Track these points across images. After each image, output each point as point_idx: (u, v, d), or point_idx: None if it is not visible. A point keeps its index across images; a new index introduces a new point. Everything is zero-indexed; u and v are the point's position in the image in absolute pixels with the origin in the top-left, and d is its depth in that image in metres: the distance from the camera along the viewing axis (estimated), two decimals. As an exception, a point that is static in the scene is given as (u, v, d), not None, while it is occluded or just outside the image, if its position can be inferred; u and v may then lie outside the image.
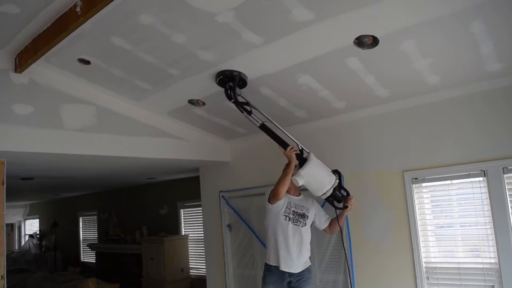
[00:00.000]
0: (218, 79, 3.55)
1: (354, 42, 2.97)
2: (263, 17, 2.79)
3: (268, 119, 3.70)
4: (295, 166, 3.57)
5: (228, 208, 5.51)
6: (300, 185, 3.50)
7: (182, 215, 8.50)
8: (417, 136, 3.90)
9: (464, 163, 3.63)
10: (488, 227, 3.54)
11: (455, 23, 2.72)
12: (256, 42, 3.07)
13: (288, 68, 3.40)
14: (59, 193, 10.40)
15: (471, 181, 3.65)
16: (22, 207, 13.59)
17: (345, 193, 3.65)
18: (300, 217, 3.72)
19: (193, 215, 8.27)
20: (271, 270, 3.70)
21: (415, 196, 3.92)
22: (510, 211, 3.43)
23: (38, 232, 12.33)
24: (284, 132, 3.73)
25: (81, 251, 11.39)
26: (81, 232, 11.55)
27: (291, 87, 3.72)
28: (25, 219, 13.91)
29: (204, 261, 6.12)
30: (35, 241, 12.01)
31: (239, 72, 3.48)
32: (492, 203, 3.50)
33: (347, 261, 4.14)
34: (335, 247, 4.39)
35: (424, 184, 3.92)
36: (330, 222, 3.86)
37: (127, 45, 3.22)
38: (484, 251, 3.60)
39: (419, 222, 3.88)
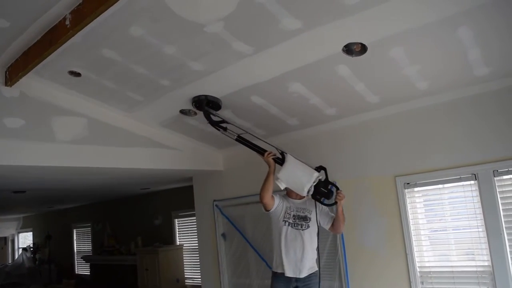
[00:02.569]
0: (194, 104, 3.85)
1: (343, 50, 3.00)
2: (252, 26, 2.81)
3: (244, 131, 3.81)
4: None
5: (222, 217, 5.51)
6: (282, 188, 3.52)
7: (177, 225, 8.47)
8: (408, 141, 3.93)
9: (455, 167, 3.66)
10: (481, 230, 3.57)
11: (442, 29, 2.76)
12: (246, 51, 3.09)
13: (278, 76, 3.43)
14: (52, 206, 10.33)
15: (463, 185, 3.68)
16: (15, 220, 13.47)
17: (334, 188, 3.55)
18: (301, 220, 3.64)
19: (187, 225, 8.25)
20: (277, 277, 3.64)
21: (408, 200, 3.94)
22: (501, 214, 3.46)
23: (31, 245, 12.22)
24: (262, 140, 3.82)
25: (76, 263, 11.30)
26: (75, 244, 11.46)
27: (282, 95, 3.75)
28: (19, 232, 13.78)
29: (199, 271, 6.10)
30: (28, 254, 11.91)
31: (206, 96, 3.76)
32: (483, 206, 3.53)
33: (340, 266, 4.14)
34: (329, 253, 4.39)
35: (416, 189, 3.94)
36: (333, 222, 3.73)
37: (118, 57, 3.23)
38: (477, 254, 3.62)
39: (412, 227, 3.90)
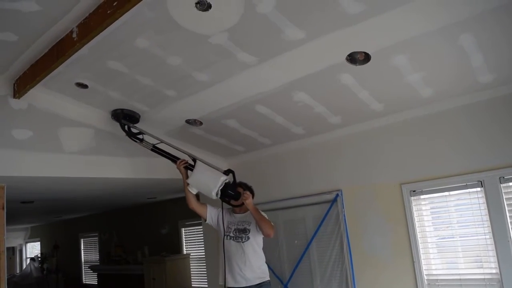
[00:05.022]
0: (112, 116, 4.09)
1: (347, 59, 3.03)
2: (256, 37, 2.84)
3: (160, 141, 4.03)
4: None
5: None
6: (194, 193, 3.74)
7: (184, 234, 8.47)
8: (414, 148, 3.93)
9: (461, 174, 3.65)
10: (488, 237, 3.55)
11: (445, 37, 2.77)
12: (250, 62, 3.12)
13: (282, 86, 3.45)
14: (59, 215, 10.37)
15: (469, 192, 3.66)
16: (23, 230, 13.54)
17: (240, 190, 3.67)
18: (241, 232, 3.74)
19: (194, 234, 8.25)
20: None
21: (414, 208, 3.93)
22: (508, 221, 3.44)
23: (39, 255, 12.26)
24: (176, 148, 4.01)
25: (83, 273, 11.32)
26: (82, 254, 11.49)
27: (287, 104, 3.77)
28: (26, 242, 13.85)
29: (206, 280, 6.09)
30: (36, 264, 11.94)
31: (122, 110, 4.00)
32: (490, 213, 3.51)
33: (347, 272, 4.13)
34: (336, 261, 4.38)
35: (422, 196, 3.93)
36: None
37: (124, 68, 3.27)
38: (485, 262, 3.60)
39: (419, 234, 3.89)
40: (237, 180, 3.75)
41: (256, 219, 3.59)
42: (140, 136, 4.06)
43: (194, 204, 3.81)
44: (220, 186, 3.55)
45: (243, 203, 3.64)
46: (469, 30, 2.71)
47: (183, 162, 3.83)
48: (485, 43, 2.84)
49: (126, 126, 4.01)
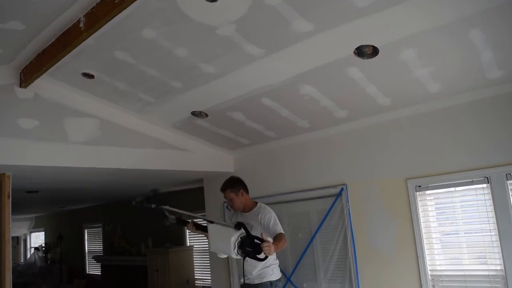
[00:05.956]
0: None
1: (354, 52, 3.00)
2: (263, 29, 2.83)
3: (183, 213, 3.59)
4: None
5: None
6: (224, 257, 3.50)
7: (187, 226, 8.46)
8: (420, 143, 3.91)
9: (467, 170, 3.63)
10: (493, 233, 3.53)
11: (454, 32, 2.75)
12: (257, 54, 3.11)
13: (289, 78, 3.44)
14: (64, 206, 10.41)
15: (475, 188, 3.65)
16: (27, 220, 13.61)
17: (259, 242, 3.03)
18: None
19: (198, 226, 8.24)
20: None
21: (419, 203, 3.92)
22: (514, 218, 3.42)
23: (43, 245, 12.33)
24: (191, 215, 3.55)
25: (87, 263, 11.37)
26: (86, 245, 11.54)
27: (293, 98, 3.75)
28: (31, 232, 13.92)
29: (209, 272, 6.11)
30: (40, 254, 12.01)
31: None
32: (496, 209, 3.49)
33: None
34: (339, 256, 4.38)
35: (427, 192, 3.92)
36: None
37: (130, 59, 3.27)
38: (489, 258, 3.59)
39: (423, 230, 3.87)
40: (234, 176, 3.74)
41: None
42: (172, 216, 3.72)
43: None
44: (235, 248, 3.02)
45: (243, 208, 3.63)
46: (479, 26, 2.68)
47: (191, 225, 3.72)
48: (494, 39, 2.82)
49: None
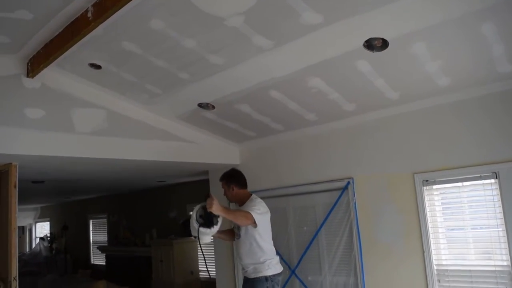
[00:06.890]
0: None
1: (364, 45, 2.97)
2: (272, 21, 2.80)
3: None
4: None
5: (237, 211, 5.50)
6: (208, 241, 3.55)
7: (192, 217, 8.47)
8: (428, 138, 3.88)
9: (475, 165, 3.60)
10: (500, 229, 3.51)
11: (466, 25, 2.71)
12: (266, 45, 3.08)
13: (297, 71, 3.41)
14: (69, 196, 10.47)
15: (483, 183, 3.62)
16: (33, 210, 13.70)
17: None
18: (238, 230, 3.66)
19: (202, 218, 8.25)
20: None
21: (426, 198, 3.90)
22: (522, 214, 3.40)
23: (48, 235, 12.41)
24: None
25: (91, 253, 11.45)
26: (91, 235, 11.61)
27: (301, 90, 3.73)
28: (36, 222, 14.02)
29: (213, 263, 6.13)
30: (45, 243, 12.10)
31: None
32: (504, 205, 3.47)
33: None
34: (345, 249, 4.38)
35: (435, 187, 3.89)
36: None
37: (138, 50, 3.25)
38: (496, 254, 3.57)
39: (430, 225, 3.86)
40: (233, 170, 3.84)
41: (230, 220, 3.41)
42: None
43: (228, 236, 3.87)
44: (197, 223, 3.35)
45: (237, 201, 3.70)
46: (491, 19, 2.64)
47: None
48: (506, 33, 2.78)
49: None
